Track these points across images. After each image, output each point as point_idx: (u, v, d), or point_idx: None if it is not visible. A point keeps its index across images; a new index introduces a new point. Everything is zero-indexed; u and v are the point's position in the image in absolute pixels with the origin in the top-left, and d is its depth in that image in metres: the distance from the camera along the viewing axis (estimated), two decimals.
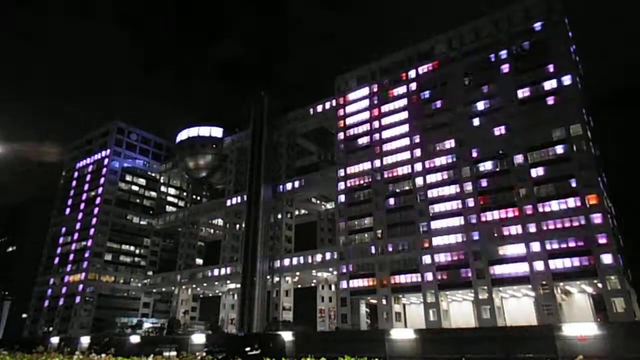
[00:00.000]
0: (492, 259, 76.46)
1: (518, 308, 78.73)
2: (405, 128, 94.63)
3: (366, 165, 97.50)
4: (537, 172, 76.60)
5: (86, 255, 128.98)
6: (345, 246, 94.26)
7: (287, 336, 74.35)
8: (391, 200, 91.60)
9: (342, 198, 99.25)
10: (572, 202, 71.93)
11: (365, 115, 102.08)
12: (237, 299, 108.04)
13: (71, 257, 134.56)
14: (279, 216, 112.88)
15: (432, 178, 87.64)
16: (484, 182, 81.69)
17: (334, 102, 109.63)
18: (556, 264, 70.56)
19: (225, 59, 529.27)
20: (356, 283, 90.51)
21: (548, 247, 71.77)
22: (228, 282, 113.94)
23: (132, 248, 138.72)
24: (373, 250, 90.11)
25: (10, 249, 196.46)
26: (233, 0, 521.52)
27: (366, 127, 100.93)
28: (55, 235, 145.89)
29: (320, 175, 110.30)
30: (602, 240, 67.84)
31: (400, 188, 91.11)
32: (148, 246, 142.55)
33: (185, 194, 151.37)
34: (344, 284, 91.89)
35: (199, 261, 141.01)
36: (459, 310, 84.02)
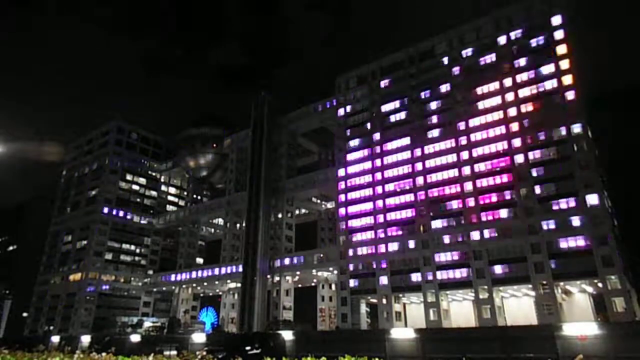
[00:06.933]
0: (492, 259, 76.54)
1: (518, 308, 78.83)
2: (405, 127, 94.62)
3: (366, 165, 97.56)
4: (537, 172, 76.66)
5: (87, 254, 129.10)
6: (346, 245, 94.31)
7: (287, 335, 74.52)
8: (391, 200, 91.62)
9: (342, 197, 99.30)
10: (572, 202, 71.98)
11: (366, 114, 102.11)
12: (238, 298, 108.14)
13: (72, 256, 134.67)
14: (280, 215, 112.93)
15: (432, 177, 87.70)
16: (484, 182, 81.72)
17: (334, 102, 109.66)
18: (556, 263, 70.62)
19: (225, 59, 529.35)
20: (356, 282, 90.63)
21: (548, 247, 71.78)
22: (228, 281, 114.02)
23: (132, 247, 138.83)
24: (373, 250, 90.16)
25: (11, 248, 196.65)
26: (233, 1, 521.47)
27: (366, 126, 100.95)
28: (55, 234, 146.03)
29: (321, 174, 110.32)
30: (602, 240, 67.86)
31: (401, 187, 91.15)
32: (148, 245, 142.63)
33: (185, 193, 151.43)
34: (344, 284, 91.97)
35: (200, 260, 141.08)
36: (460, 310, 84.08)
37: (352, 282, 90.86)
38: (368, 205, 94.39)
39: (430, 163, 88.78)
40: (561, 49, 79.87)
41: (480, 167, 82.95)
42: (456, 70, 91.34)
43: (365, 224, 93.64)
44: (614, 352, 56.02)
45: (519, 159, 78.97)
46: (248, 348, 44.52)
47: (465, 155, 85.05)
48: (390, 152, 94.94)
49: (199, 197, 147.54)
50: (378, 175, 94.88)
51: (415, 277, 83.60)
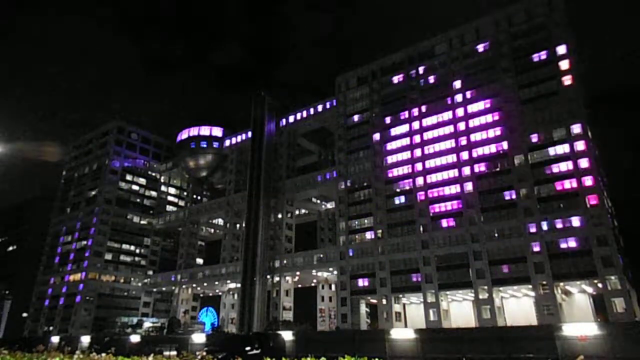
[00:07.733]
0: (492, 259, 76.52)
1: (518, 308, 78.82)
2: (405, 127, 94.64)
3: (366, 165, 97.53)
4: (537, 172, 76.63)
5: (86, 254, 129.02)
6: (346, 246, 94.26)
7: (287, 336, 74.27)
8: (391, 200, 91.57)
9: (342, 198, 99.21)
10: (572, 202, 71.95)
11: (366, 114, 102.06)
12: (237, 299, 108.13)
13: (71, 256, 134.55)
14: (279, 216, 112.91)
15: (432, 178, 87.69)
16: (484, 182, 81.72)
17: (334, 102, 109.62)
18: (556, 263, 70.58)
19: (225, 59, 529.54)
20: (356, 283, 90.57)
21: (548, 247, 71.78)
22: (228, 281, 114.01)
23: (132, 247, 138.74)
24: (373, 250, 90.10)
25: (10, 248, 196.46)
26: (233, 1, 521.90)
27: (366, 126, 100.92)
28: (55, 234, 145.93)
29: (321, 175, 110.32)
30: (602, 240, 67.84)
31: (401, 188, 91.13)
32: (148, 245, 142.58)
33: (185, 193, 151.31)
34: (344, 284, 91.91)
35: (199, 261, 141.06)
36: (459, 310, 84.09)
37: (352, 283, 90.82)
38: (368, 206, 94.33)
39: (430, 163, 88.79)
40: (561, 50, 79.89)
41: (481, 167, 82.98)
42: (456, 70, 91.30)
43: (365, 225, 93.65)
44: (613, 353, 55.91)
45: (519, 159, 78.99)
46: (248, 348, 44.40)
47: (465, 155, 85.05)
48: (389, 152, 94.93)
49: (198, 198, 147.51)
50: (378, 176, 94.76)
51: (415, 277, 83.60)
